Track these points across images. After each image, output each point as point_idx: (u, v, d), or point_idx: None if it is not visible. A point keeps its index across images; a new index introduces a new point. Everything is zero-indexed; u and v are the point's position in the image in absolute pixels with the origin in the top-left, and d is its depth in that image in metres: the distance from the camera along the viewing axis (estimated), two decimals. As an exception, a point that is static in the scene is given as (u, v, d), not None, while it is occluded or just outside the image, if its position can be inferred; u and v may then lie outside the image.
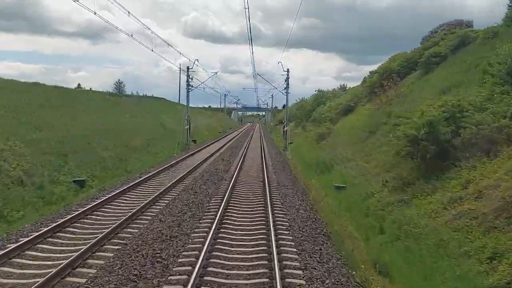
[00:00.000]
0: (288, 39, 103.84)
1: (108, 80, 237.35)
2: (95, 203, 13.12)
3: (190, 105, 39.75)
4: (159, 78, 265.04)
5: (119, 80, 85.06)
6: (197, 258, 8.42)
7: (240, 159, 26.47)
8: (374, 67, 50.51)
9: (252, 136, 55.56)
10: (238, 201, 14.64)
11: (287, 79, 36.58)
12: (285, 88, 37.43)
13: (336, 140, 30.98)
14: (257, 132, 70.97)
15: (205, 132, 53.52)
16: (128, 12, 20.60)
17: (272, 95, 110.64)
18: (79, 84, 76.33)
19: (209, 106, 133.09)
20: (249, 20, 35.06)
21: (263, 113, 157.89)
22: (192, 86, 38.26)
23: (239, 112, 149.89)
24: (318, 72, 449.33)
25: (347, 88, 59.04)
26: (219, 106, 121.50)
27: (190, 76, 37.18)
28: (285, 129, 36.26)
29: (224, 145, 38.99)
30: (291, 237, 10.38)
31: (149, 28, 43.47)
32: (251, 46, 47.07)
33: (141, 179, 17.93)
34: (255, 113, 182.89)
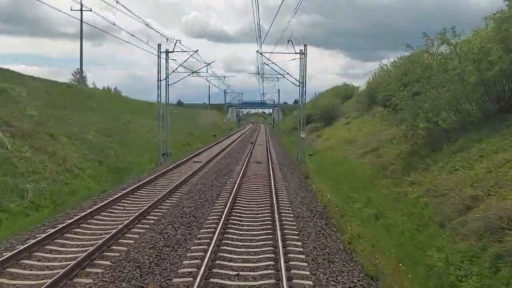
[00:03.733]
0: (291, 36, 67.31)
1: (111, 82, 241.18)
2: None
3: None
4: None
5: (78, 68, 54.99)
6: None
7: None
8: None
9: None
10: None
11: None
12: None
13: None
14: (263, 160, 24.14)
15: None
16: None
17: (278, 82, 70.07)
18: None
19: (204, 103, 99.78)
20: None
21: (270, 110, 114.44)
22: None
23: (237, 110, 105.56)
24: (322, 69, 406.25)
25: None
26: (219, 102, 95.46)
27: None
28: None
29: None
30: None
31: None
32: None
33: None
34: (260, 110, 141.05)
